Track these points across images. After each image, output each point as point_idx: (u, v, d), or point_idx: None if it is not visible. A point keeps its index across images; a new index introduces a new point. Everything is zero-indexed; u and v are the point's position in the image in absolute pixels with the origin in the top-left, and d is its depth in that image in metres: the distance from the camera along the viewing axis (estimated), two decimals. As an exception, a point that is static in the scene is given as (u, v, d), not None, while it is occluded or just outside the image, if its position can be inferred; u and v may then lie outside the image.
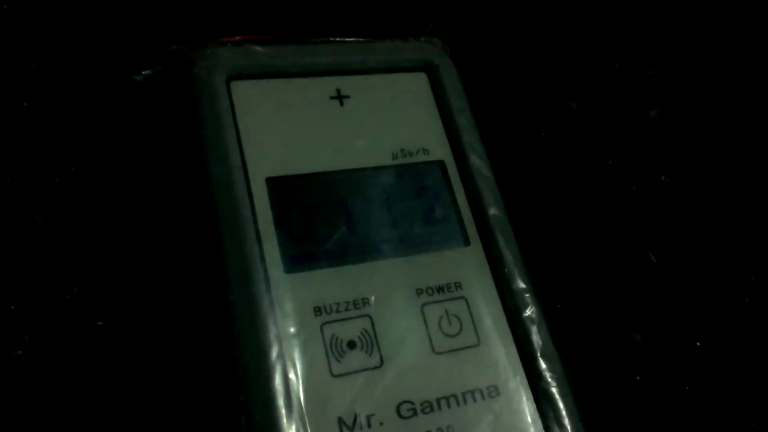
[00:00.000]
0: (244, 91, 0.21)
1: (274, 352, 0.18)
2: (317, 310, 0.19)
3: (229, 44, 0.22)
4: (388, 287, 0.20)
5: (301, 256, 0.20)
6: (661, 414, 0.24)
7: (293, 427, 0.17)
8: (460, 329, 0.20)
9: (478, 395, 0.19)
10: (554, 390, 0.20)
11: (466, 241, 0.22)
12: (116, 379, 0.20)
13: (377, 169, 0.22)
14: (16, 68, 0.23)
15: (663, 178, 0.29)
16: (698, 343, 0.25)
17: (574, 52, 0.31)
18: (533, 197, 0.26)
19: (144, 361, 0.20)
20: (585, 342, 0.24)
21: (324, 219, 0.20)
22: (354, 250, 0.20)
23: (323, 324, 0.19)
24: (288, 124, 0.21)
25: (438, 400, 0.19)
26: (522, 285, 0.21)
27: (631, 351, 0.25)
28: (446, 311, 0.20)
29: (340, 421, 0.18)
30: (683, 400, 0.24)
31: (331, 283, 0.20)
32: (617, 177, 0.28)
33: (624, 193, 0.28)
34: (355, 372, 0.19)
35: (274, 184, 0.20)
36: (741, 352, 0.26)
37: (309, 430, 0.18)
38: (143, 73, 0.22)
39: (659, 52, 0.32)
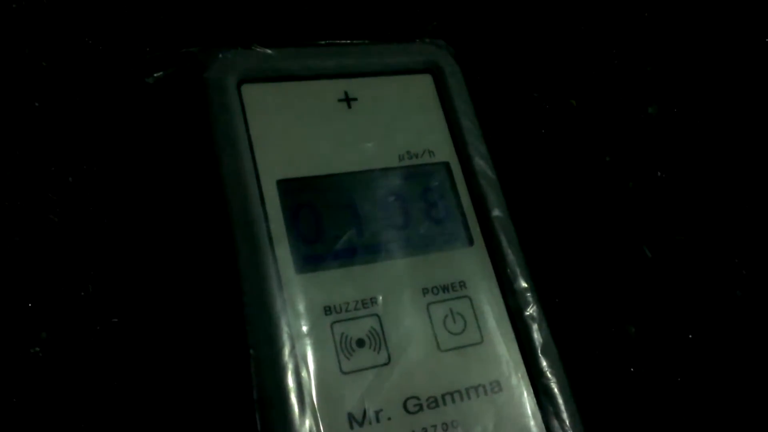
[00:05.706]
0: (254, 94, 0.22)
1: (286, 351, 0.19)
2: (327, 310, 0.20)
3: (240, 47, 0.22)
4: (395, 287, 0.21)
5: (311, 257, 0.20)
6: (653, 404, 0.25)
7: (306, 423, 0.18)
8: (465, 327, 0.21)
9: (481, 391, 0.20)
10: (554, 386, 0.20)
11: (470, 242, 0.22)
12: (131, 376, 0.20)
13: (384, 171, 0.22)
14: (26, 68, 0.23)
15: (659, 174, 0.30)
16: (690, 336, 0.26)
17: (574, 50, 0.31)
18: (534, 196, 0.27)
19: (158, 358, 0.21)
20: (582, 333, 0.25)
21: (333, 220, 0.21)
22: (362, 251, 0.21)
23: (333, 323, 0.20)
24: (297, 127, 0.22)
25: (443, 396, 0.20)
26: (524, 284, 0.22)
27: (625, 343, 0.25)
28: (451, 310, 0.21)
29: (350, 417, 0.19)
30: (675, 391, 0.25)
31: (340, 283, 0.20)
32: (615, 173, 0.29)
33: (621, 189, 0.29)
34: (364, 369, 0.19)
35: (285, 186, 0.21)
36: (732, 345, 0.27)
37: (321, 425, 0.18)
38: (155, 75, 0.22)
39: (657, 50, 0.33)
